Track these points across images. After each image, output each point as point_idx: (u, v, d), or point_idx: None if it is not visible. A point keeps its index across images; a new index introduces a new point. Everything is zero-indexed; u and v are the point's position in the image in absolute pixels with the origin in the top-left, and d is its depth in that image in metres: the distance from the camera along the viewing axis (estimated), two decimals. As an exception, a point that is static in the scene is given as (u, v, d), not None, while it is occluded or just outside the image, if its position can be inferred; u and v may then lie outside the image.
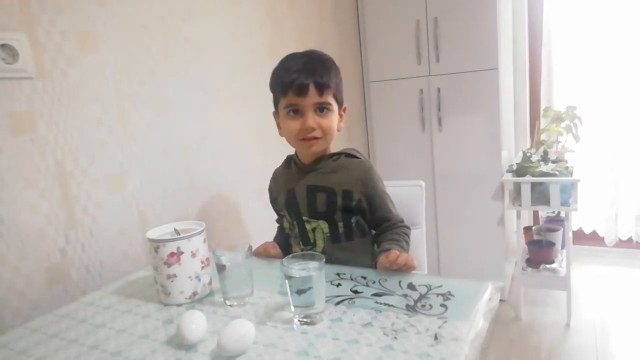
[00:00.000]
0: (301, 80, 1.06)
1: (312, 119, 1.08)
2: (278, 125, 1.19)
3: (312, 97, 1.07)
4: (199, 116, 1.51)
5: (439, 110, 2.37)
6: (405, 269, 0.95)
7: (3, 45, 0.99)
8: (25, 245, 1.03)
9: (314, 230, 1.14)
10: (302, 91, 1.06)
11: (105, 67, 1.21)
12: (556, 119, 2.43)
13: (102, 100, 1.20)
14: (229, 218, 1.64)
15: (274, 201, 1.27)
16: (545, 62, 2.75)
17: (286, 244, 1.24)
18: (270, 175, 1.30)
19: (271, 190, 1.29)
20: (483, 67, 2.24)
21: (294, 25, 2.00)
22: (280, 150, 1.31)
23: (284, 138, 1.17)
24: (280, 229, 1.30)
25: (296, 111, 1.09)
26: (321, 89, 1.07)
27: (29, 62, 1.04)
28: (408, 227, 1.17)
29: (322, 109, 1.09)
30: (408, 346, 0.69)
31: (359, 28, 2.55)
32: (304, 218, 1.15)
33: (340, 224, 1.13)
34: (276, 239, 1.30)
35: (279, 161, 1.30)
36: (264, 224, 1.72)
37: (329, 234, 1.13)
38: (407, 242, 1.12)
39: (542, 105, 2.74)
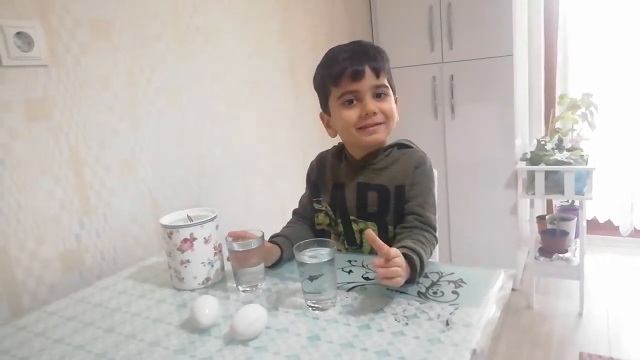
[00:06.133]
0: (355, 65, 0.98)
1: (372, 103, 1.00)
2: (327, 126, 1.10)
3: (369, 79, 0.99)
4: (209, 103, 1.51)
5: (452, 97, 2.34)
6: (388, 282, 0.78)
7: (19, 34, 1.00)
8: (41, 231, 1.05)
9: (361, 231, 1.06)
10: (357, 75, 0.98)
11: (117, 54, 1.22)
12: (572, 106, 2.39)
13: (114, 87, 1.21)
14: (239, 205, 1.65)
15: (312, 186, 1.16)
16: (561, 48, 2.70)
17: (297, 238, 0.97)
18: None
19: (312, 170, 1.18)
20: (497, 53, 2.21)
21: (304, 12, 1.98)
22: (290, 137, 1.29)
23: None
24: (298, 218, 1.16)
25: (352, 100, 1.01)
26: (377, 71, 0.99)
27: (44, 50, 1.04)
28: (436, 240, 0.99)
29: (379, 93, 1.01)
30: (419, 332, 0.70)
31: (370, 14, 2.52)
32: (352, 217, 1.07)
33: (391, 227, 1.03)
34: (285, 232, 1.09)
35: (287, 149, 1.28)
36: (274, 211, 1.73)
37: None
38: (429, 254, 0.93)
39: (558, 93, 2.69)
